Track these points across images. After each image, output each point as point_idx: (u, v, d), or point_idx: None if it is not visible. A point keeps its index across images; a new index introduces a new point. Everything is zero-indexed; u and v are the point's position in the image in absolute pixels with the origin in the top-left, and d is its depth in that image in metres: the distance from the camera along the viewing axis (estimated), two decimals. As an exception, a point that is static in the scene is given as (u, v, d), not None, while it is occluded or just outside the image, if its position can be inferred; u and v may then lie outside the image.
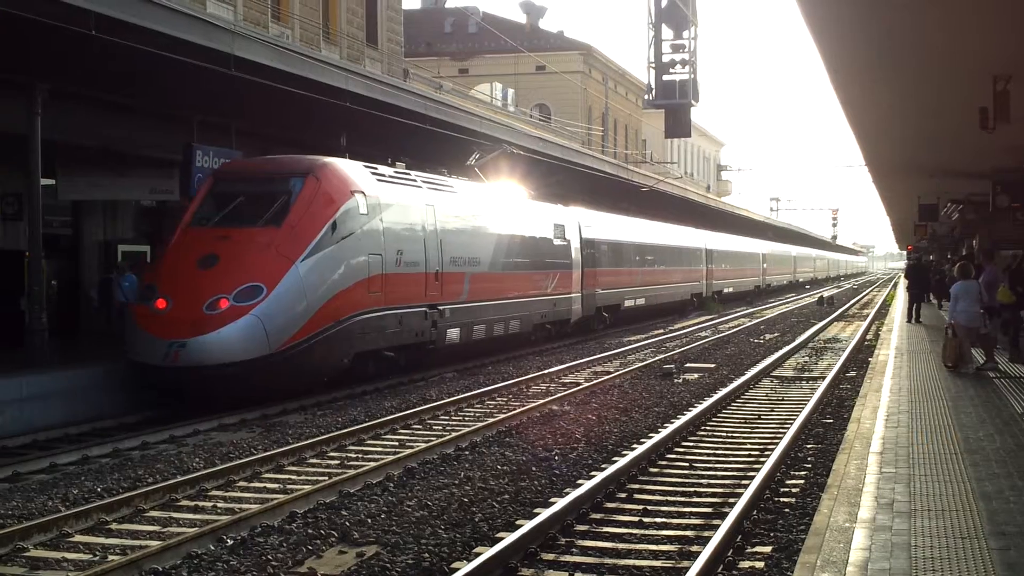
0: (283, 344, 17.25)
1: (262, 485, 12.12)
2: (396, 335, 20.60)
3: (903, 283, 49.14)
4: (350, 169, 19.88)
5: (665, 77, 42.86)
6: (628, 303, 37.39)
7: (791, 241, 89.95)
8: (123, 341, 17.63)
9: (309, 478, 12.39)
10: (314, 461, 13.46)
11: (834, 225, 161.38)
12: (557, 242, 29.78)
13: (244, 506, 10.94)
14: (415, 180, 22.44)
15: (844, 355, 25.07)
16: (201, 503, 11.28)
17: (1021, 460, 9.80)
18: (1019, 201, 24.12)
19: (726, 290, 55.63)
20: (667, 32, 43.94)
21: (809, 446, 13.77)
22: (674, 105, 42.74)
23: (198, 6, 23.12)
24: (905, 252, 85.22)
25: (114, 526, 10.27)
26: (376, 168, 21.12)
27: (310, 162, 19.25)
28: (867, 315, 44.61)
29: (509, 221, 26.62)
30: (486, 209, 25.58)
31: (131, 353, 17.21)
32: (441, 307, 22.32)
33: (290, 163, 19.58)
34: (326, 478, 12.10)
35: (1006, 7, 11.72)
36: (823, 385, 19.21)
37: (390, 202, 20.44)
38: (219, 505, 11.16)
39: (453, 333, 22.89)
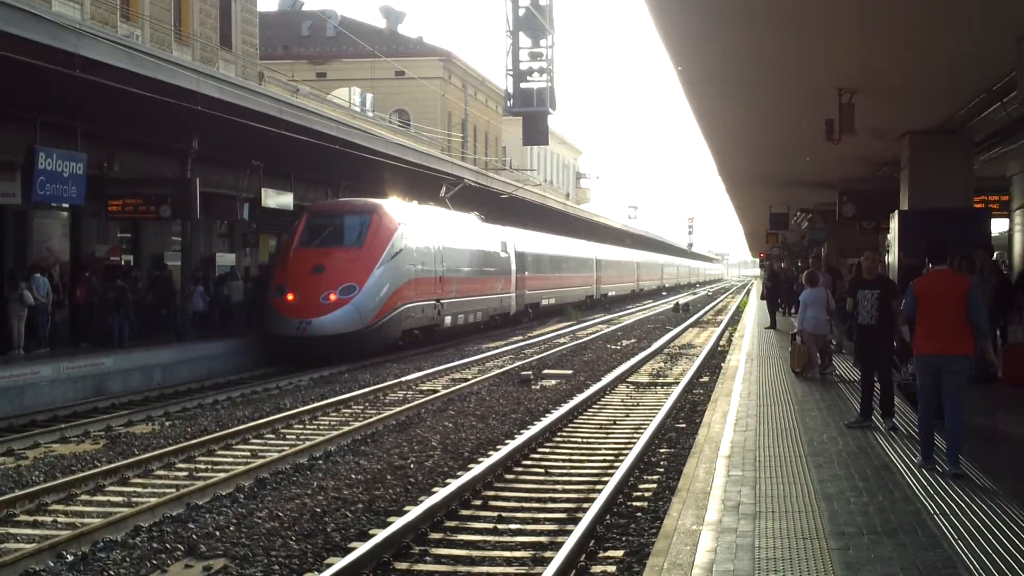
0: (368, 323, 26.05)
1: (105, 499, 11.72)
2: (421, 320, 29.70)
3: (756, 292, 51.06)
4: (396, 208, 29.29)
5: (523, 85, 43.21)
6: (544, 301, 46.38)
7: (657, 250, 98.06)
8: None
9: (155, 490, 12.04)
10: (161, 473, 13.09)
11: (690, 232, 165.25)
12: (502, 255, 38.82)
13: (86, 520, 10.57)
14: (425, 213, 31.64)
15: (698, 361, 25.56)
16: (40, 518, 10.85)
17: (862, 462, 10.10)
18: (863, 210, 24.95)
19: (610, 293, 64.23)
20: (525, 40, 44.29)
21: (662, 451, 13.98)
22: (532, 112, 43.16)
23: (42, 4, 22.30)
24: (758, 260, 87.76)
25: (-56, 544, 9.79)
26: (408, 205, 30.59)
27: (374, 204, 28.54)
28: (721, 321, 45.62)
29: (475, 239, 35.91)
30: (462, 231, 34.62)
31: (271, 329, 25.64)
32: (442, 301, 31.40)
33: (360, 205, 28.64)
34: (173, 490, 11.77)
35: (851, 26, 12.14)
36: (677, 391, 19.53)
37: (416, 229, 29.25)
38: (59, 520, 10.76)
39: (448, 319, 32.22)
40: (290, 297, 25.43)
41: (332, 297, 25.47)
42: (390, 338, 27.69)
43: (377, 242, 26.86)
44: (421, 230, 29.70)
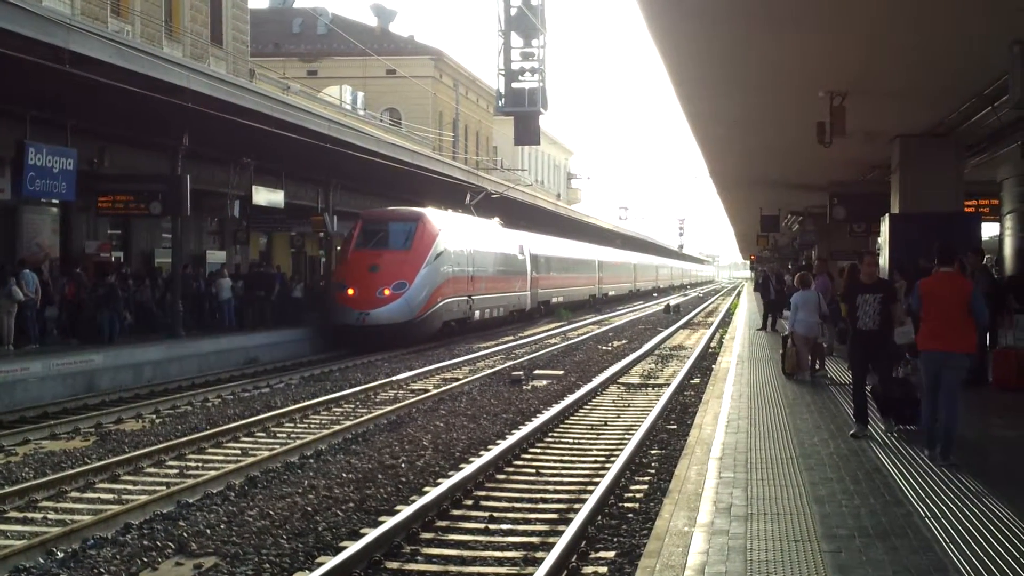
0: (417, 315, 30.21)
1: (96, 496, 11.70)
2: (456, 313, 33.81)
3: (747, 294, 51.35)
4: (437, 215, 33.44)
5: (514, 84, 43.19)
6: (554, 299, 50.14)
7: (651, 252, 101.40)
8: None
9: (146, 488, 12.01)
10: (151, 470, 13.07)
11: (681, 234, 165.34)
12: (519, 257, 42.67)
13: (76, 517, 10.54)
14: (459, 220, 35.87)
15: (689, 362, 25.59)
16: (30, 515, 10.82)
17: (853, 465, 10.12)
18: (854, 213, 25.00)
19: (610, 293, 67.82)
20: (517, 40, 44.25)
21: (653, 452, 13.98)
22: (523, 112, 43.14)
23: (33, -2, 22.21)
24: (749, 262, 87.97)
25: (-66, 541, 9.76)
26: (444, 214, 34.86)
27: (418, 212, 32.65)
28: (712, 323, 45.68)
29: (498, 243, 39.79)
30: (487, 236, 38.64)
31: (334, 319, 29.62)
32: (473, 297, 35.42)
33: (407, 213, 32.65)
34: (164, 488, 11.75)
35: (842, 28, 12.16)
36: (668, 392, 19.55)
37: (452, 235, 33.29)
38: (49, 517, 10.74)
39: (477, 313, 36.31)
40: (350, 292, 29.33)
41: (386, 292, 29.48)
42: (433, 328, 31.81)
43: (422, 245, 30.98)
44: (456, 235, 33.84)
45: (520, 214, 50.00)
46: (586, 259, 59.58)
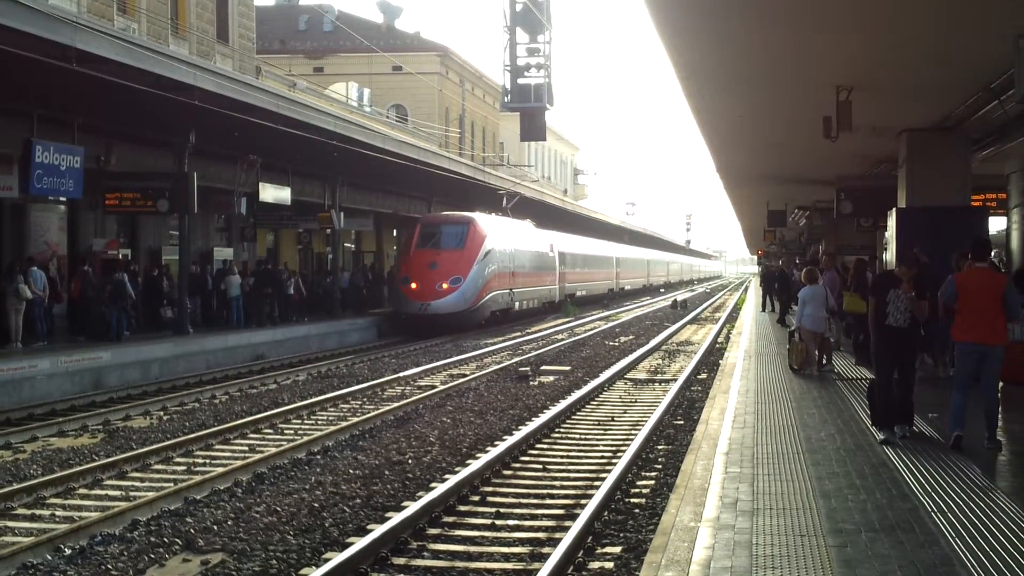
0: (470, 305, 35.02)
1: (103, 492, 11.74)
2: (501, 304, 38.62)
3: (754, 290, 51.66)
4: (485, 219, 38.27)
5: (520, 80, 43.06)
6: (579, 293, 54.78)
7: (662, 248, 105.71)
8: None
9: (153, 484, 12.05)
10: (159, 467, 13.10)
11: (688, 229, 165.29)
12: (549, 254, 47.54)
13: (84, 514, 10.58)
14: (502, 222, 40.39)
15: (696, 358, 25.57)
16: (38, 511, 10.86)
17: (860, 460, 10.11)
18: (861, 208, 24.94)
19: (626, 287, 72.26)
20: (522, 36, 44.15)
21: (660, 447, 13.98)
22: (529, 108, 43.02)
23: (40, -4, 22.24)
24: (756, 257, 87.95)
25: (-58, 538, 9.79)
26: (490, 217, 39.60)
27: (469, 216, 37.50)
28: (719, 318, 45.64)
29: (532, 242, 44.37)
30: (524, 236, 43.20)
31: (400, 309, 34.68)
32: (513, 290, 40.21)
33: (459, 217, 37.67)
34: (171, 484, 11.78)
35: (848, 23, 12.13)
36: (675, 387, 19.53)
37: (497, 236, 37.94)
38: (57, 513, 10.77)
39: (517, 304, 41.12)
40: (414, 286, 34.08)
41: (444, 286, 34.08)
42: (483, 317, 36.76)
43: (473, 245, 35.68)
44: (499, 237, 38.36)
45: (544, 214, 52.32)
46: (606, 256, 64.63)
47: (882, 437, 11.15)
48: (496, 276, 37.43)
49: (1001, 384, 14.21)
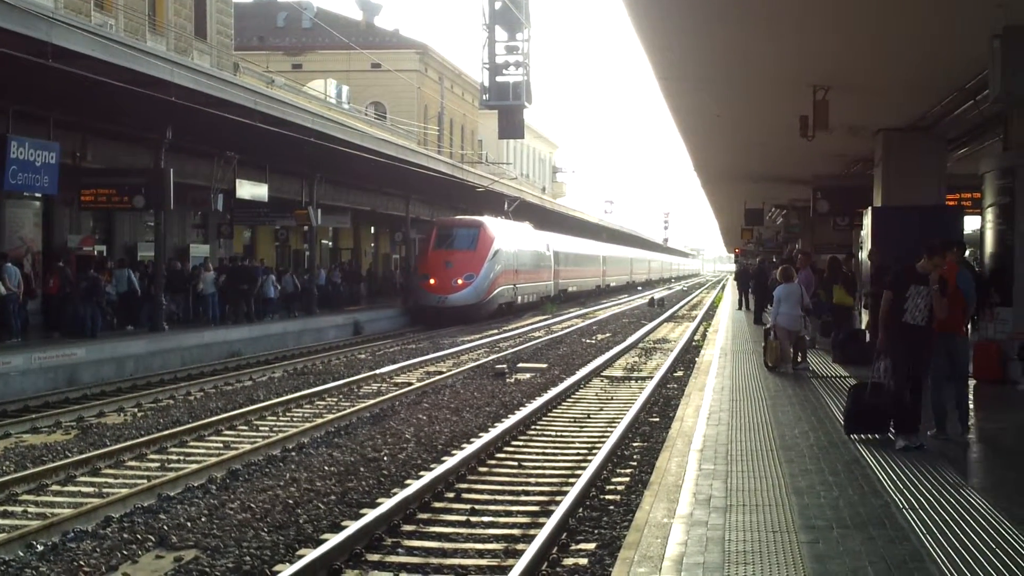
0: (482, 299, 39.47)
1: (76, 489, 11.67)
2: (507, 298, 43.03)
3: (732, 285, 52.09)
4: (493, 222, 42.52)
5: (499, 78, 43.15)
6: (571, 289, 59.10)
7: (644, 247, 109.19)
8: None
9: (127, 481, 11.99)
10: (132, 464, 13.04)
11: (666, 228, 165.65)
12: (546, 253, 51.64)
13: (56, 511, 10.51)
14: (507, 225, 45.20)
15: (672, 355, 25.63)
16: (10, 508, 10.79)
17: (832, 456, 10.16)
18: (837, 206, 25.02)
19: (611, 283, 76.39)
20: (501, 34, 44.20)
21: (635, 444, 14.02)
22: (507, 106, 43.15)
23: (15, -9, 22.07)
24: (734, 255, 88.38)
25: (-87, 535, 9.71)
26: (497, 220, 44.14)
27: (479, 220, 41.67)
28: (695, 316, 45.77)
29: (532, 243, 48.64)
30: (525, 237, 47.43)
31: (420, 301, 38.89)
32: (517, 286, 44.50)
33: (470, 221, 41.81)
34: (145, 481, 11.73)
35: (825, 23, 12.19)
36: (651, 385, 19.59)
37: (504, 237, 42.25)
38: (30, 510, 10.71)
39: (519, 299, 45.45)
40: (432, 281, 38.39)
41: (459, 282, 38.49)
42: (492, 309, 41.41)
43: (484, 246, 39.98)
44: (506, 238, 42.68)
45: (537, 216, 55.82)
46: (594, 255, 69.78)
47: (903, 444, 10.44)
48: (503, 273, 41.74)
49: (974, 382, 14.39)
